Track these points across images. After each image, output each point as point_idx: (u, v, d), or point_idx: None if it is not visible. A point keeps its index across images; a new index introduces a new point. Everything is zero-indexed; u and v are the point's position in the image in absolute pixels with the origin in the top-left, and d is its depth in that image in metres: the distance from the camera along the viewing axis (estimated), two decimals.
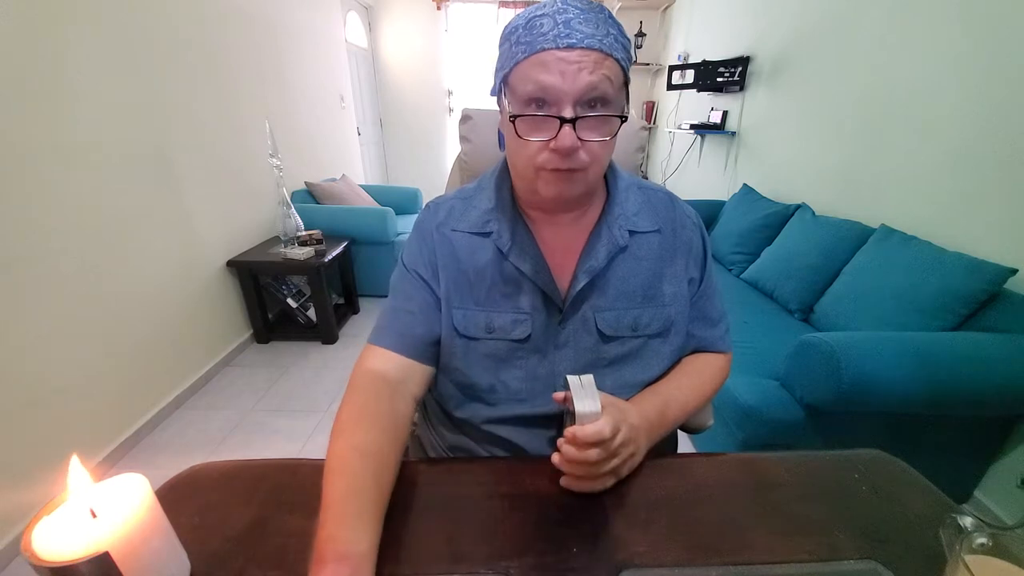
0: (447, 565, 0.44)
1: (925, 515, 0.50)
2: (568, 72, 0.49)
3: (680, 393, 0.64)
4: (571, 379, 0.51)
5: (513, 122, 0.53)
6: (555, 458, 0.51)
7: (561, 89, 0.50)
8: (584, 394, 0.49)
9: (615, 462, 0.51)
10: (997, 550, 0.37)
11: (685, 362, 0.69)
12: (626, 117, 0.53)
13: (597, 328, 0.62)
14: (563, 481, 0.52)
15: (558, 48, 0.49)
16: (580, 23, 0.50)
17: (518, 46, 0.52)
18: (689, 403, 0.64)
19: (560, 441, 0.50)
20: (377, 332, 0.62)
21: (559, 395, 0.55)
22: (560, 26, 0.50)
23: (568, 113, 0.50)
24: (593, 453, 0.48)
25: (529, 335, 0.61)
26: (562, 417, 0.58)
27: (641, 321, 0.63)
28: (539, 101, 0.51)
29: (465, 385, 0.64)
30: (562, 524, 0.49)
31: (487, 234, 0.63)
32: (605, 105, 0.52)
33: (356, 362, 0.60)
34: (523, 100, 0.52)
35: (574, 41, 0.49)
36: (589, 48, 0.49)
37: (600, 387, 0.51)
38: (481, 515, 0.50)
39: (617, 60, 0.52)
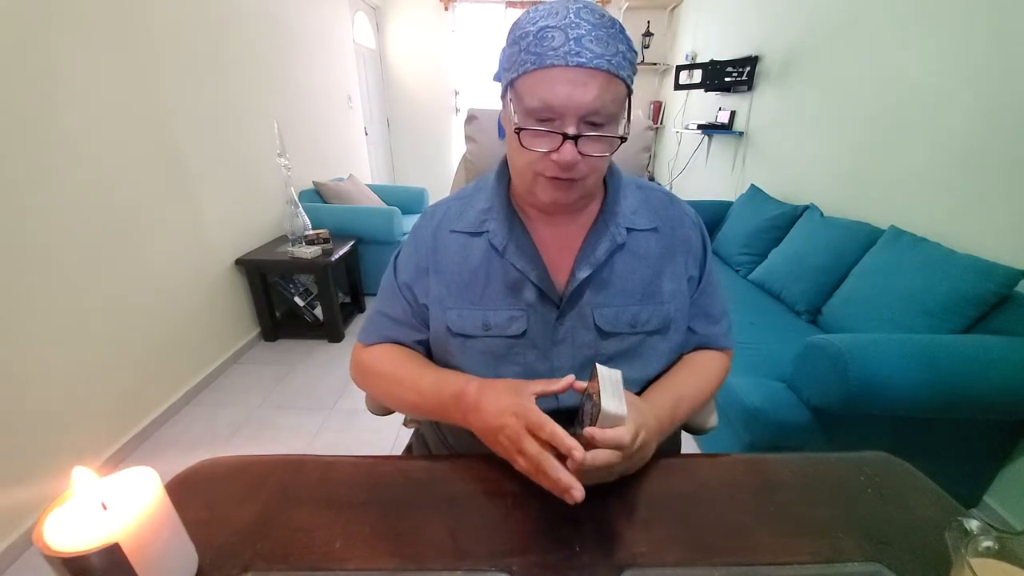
0: (450, 561, 0.45)
1: (931, 518, 0.50)
2: (575, 92, 0.50)
3: (688, 391, 0.64)
4: (600, 369, 0.48)
5: (518, 133, 0.54)
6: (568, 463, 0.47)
7: (566, 107, 0.50)
8: (611, 392, 0.47)
9: (626, 464, 0.50)
10: (1003, 554, 0.37)
11: (689, 359, 0.69)
12: (625, 138, 0.54)
13: (595, 324, 0.62)
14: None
15: (567, 66, 0.49)
16: (591, 41, 0.50)
17: (527, 55, 0.51)
18: (697, 401, 0.65)
19: (575, 448, 0.45)
20: (364, 333, 0.70)
21: (580, 384, 0.53)
22: (571, 42, 0.49)
23: (571, 130, 0.51)
24: (609, 456, 0.46)
25: (525, 331, 0.62)
26: (579, 408, 0.54)
27: (640, 318, 0.63)
28: (544, 115, 0.52)
29: None
30: (565, 523, 0.49)
31: (483, 233, 0.64)
32: (608, 124, 0.53)
33: (352, 361, 0.71)
34: (528, 112, 0.53)
35: (583, 60, 0.49)
36: (597, 68, 0.50)
37: None
38: (484, 512, 0.51)
39: (623, 79, 0.52)
